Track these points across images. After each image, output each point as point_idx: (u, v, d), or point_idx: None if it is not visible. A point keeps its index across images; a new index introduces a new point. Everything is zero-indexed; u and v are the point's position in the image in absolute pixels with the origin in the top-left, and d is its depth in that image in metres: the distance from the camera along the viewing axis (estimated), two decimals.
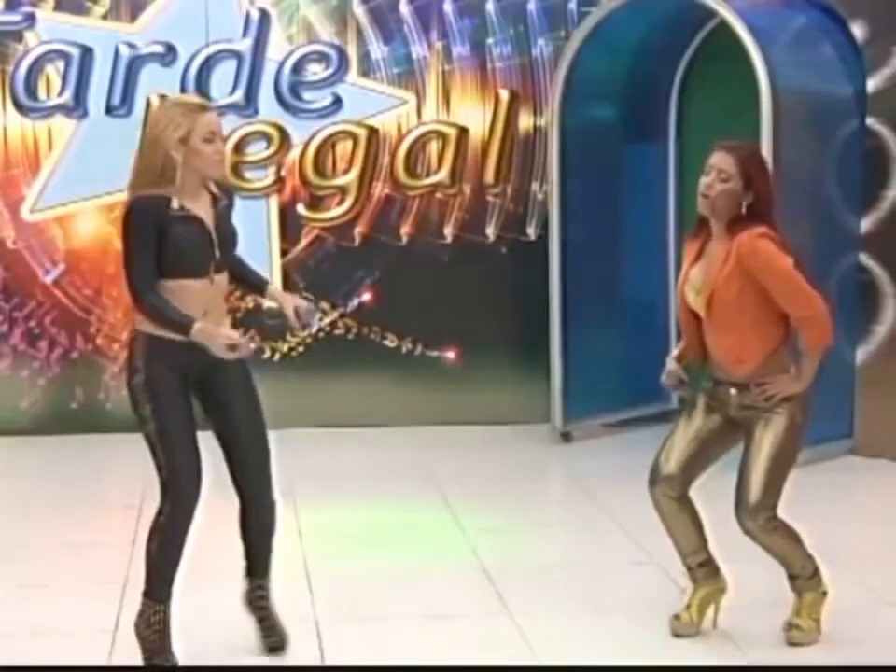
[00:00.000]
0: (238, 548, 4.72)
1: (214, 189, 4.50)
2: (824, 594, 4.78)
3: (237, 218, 8.20)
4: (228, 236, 4.54)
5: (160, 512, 4.54)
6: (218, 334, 4.28)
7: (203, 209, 4.44)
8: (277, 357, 8.17)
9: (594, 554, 5.73)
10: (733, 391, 4.67)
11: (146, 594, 4.57)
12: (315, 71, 8.00)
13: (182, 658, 4.53)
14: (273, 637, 4.66)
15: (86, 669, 4.58)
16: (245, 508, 4.63)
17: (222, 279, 4.50)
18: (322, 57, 8.00)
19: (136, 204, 4.32)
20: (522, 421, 8.07)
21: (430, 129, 8.09)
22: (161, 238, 4.28)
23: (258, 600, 4.69)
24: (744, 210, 4.53)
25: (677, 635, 4.75)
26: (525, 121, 8.11)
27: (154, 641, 4.53)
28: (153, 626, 4.53)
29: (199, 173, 4.38)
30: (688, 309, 4.70)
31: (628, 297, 8.20)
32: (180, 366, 4.38)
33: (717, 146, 4.60)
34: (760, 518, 4.59)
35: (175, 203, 4.33)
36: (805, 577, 4.75)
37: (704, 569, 4.80)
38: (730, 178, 4.50)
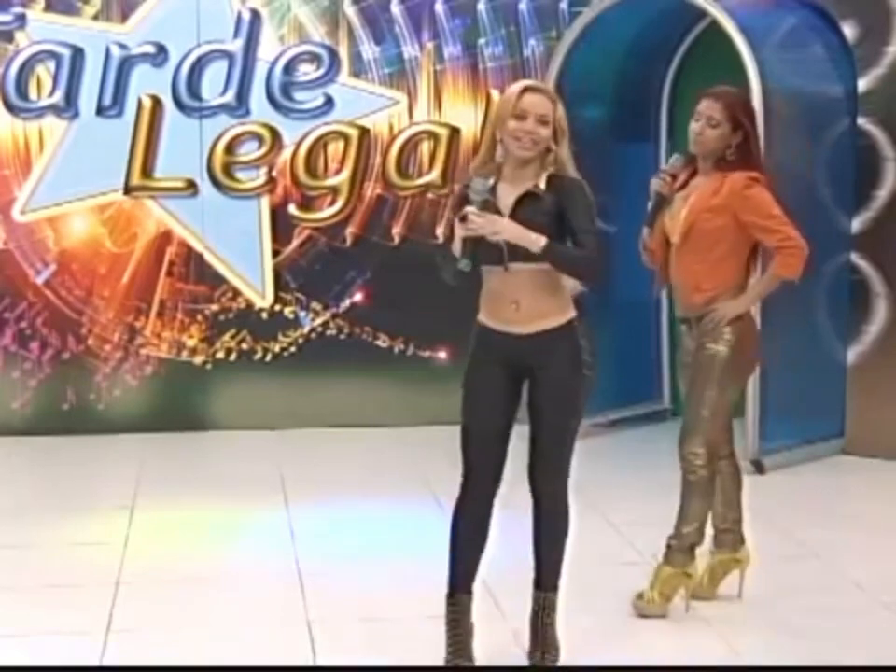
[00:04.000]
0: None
1: (542, 181, 4.25)
2: (687, 575, 4.90)
3: (228, 218, 8.25)
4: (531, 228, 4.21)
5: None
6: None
7: (511, 195, 4.27)
8: (269, 357, 8.17)
9: (585, 554, 5.71)
10: (683, 328, 4.97)
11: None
12: (307, 71, 8.00)
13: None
14: (535, 651, 4.48)
15: (81, 669, 4.57)
16: (536, 512, 4.52)
17: (523, 268, 4.24)
18: (313, 57, 8.00)
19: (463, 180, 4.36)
20: None
21: (422, 129, 8.09)
22: None
23: (533, 613, 4.51)
24: (732, 150, 4.81)
25: (641, 615, 4.87)
26: None
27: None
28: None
29: (508, 152, 4.25)
30: (662, 232, 4.97)
31: (619, 298, 8.20)
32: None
33: (703, 93, 4.91)
34: (692, 445, 4.82)
35: (489, 183, 4.23)
36: (680, 547, 4.90)
37: (726, 536, 5.00)
38: (719, 124, 4.80)
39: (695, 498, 4.90)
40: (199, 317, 8.11)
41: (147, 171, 7.92)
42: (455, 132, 8.08)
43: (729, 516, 5.05)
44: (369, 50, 8.04)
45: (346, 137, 8.03)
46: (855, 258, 7.34)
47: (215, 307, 8.11)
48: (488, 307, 4.38)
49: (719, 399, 4.85)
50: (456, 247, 4.23)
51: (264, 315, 8.15)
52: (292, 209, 8.07)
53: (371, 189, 8.09)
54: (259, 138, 7.98)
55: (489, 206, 4.20)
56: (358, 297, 8.19)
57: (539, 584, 4.50)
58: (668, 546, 4.94)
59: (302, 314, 8.17)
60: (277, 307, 8.15)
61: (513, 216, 4.21)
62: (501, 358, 4.36)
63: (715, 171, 4.85)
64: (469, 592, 4.50)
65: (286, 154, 8.01)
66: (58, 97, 7.85)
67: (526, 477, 4.43)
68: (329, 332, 8.19)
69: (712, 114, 4.80)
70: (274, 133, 7.98)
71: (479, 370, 4.41)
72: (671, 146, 8.17)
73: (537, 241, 4.15)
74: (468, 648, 4.45)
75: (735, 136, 4.81)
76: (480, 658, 4.55)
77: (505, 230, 4.17)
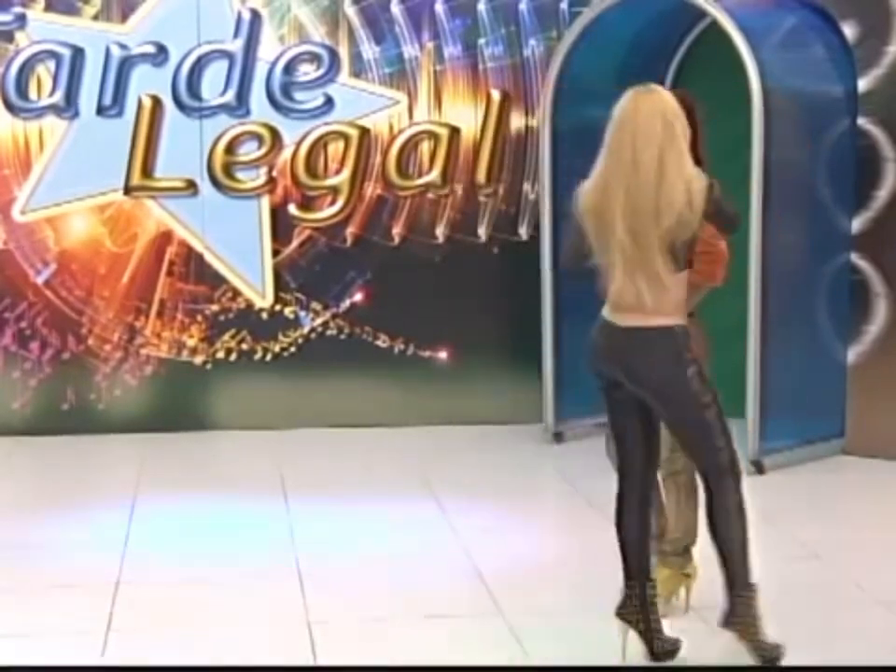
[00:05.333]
0: None
1: None
2: (686, 575, 4.94)
3: (228, 218, 8.24)
4: None
5: (726, 493, 4.41)
6: None
7: None
8: (269, 357, 8.16)
9: (585, 555, 5.73)
10: None
11: (745, 587, 4.41)
12: (307, 71, 7.99)
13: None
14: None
15: (82, 669, 4.58)
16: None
17: None
18: (313, 57, 8.00)
19: None
20: (514, 421, 8.07)
21: (422, 129, 8.09)
22: None
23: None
24: None
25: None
26: (516, 122, 8.11)
27: (760, 631, 4.40)
28: (757, 615, 4.41)
29: None
30: None
31: None
32: None
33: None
34: (664, 450, 4.75)
35: None
36: (675, 551, 4.93)
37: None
38: None
39: (680, 501, 4.90)
40: (199, 317, 8.11)
41: (147, 171, 7.92)
42: (455, 132, 8.08)
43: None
44: (369, 50, 8.04)
45: (346, 137, 8.02)
46: (855, 258, 7.34)
47: (215, 307, 8.11)
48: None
49: None
50: None
51: (264, 315, 8.15)
52: (292, 209, 8.07)
53: (372, 189, 8.09)
54: (259, 138, 7.98)
55: None
56: (358, 297, 8.19)
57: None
58: (662, 551, 4.93)
59: (302, 314, 8.17)
60: (277, 307, 8.15)
61: None
62: None
63: None
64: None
65: (286, 154, 8.00)
66: (58, 97, 7.85)
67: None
68: (329, 332, 8.19)
69: None
70: (274, 133, 7.97)
71: None
72: None
73: None
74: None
75: None
76: (477, 657, 4.56)
77: None
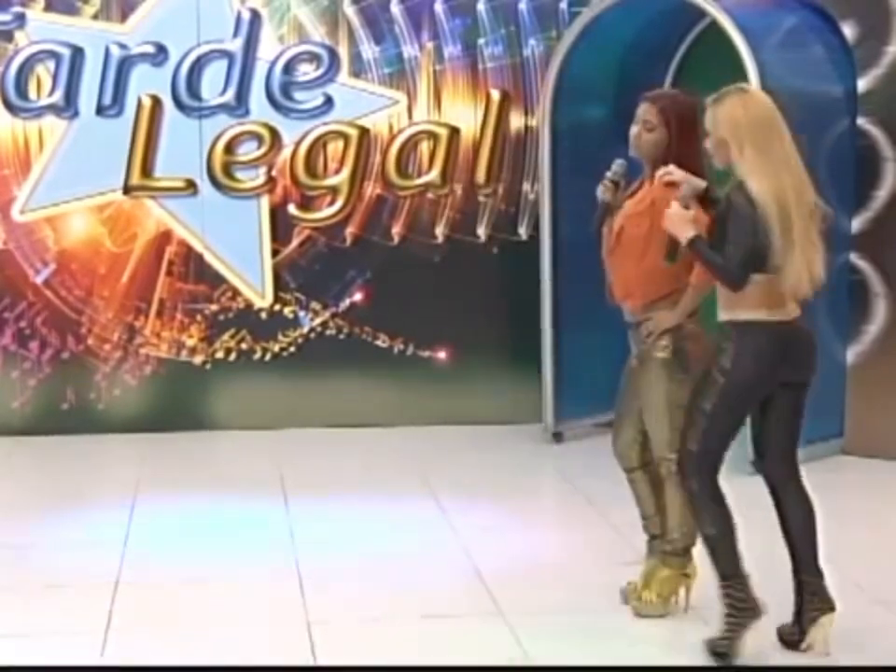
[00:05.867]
0: None
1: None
2: (686, 575, 4.92)
3: (228, 218, 8.24)
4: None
5: (801, 482, 4.82)
6: None
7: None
8: (268, 357, 8.16)
9: (585, 554, 5.73)
10: (630, 332, 4.92)
11: (818, 571, 4.64)
12: (306, 71, 7.99)
13: None
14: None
15: (82, 669, 4.57)
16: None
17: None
18: (313, 57, 8.00)
19: None
20: (513, 421, 8.07)
21: (422, 129, 8.09)
22: None
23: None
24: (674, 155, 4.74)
25: (639, 615, 4.86)
26: (516, 121, 8.11)
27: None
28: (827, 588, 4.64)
29: None
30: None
31: None
32: None
33: (642, 97, 4.88)
34: (663, 451, 4.84)
35: None
36: (674, 551, 4.91)
37: (655, 542, 4.95)
38: (654, 128, 4.77)
39: (677, 502, 4.88)
40: (198, 317, 8.11)
41: (146, 170, 7.92)
42: (454, 131, 8.08)
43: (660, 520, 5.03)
44: (368, 50, 8.04)
45: (346, 137, 8.02)
46: (855, 258, 7.34)
47: (214, 307, 8.11)
48: None
49: (670, 405, 4.80)
50: None
51: (264, 315, 8.15)
52: (292, 209, 8.07)
53: (371, 189, 8.09)
54: (259, 138, 7.98)
55: None
56: (358, 297, 8.19)
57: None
58: (663, 551, 4.93)
59: (302, 313, 8.17)
60: (277, 307, 8.15)
61: None
62: None
63: (651, 176, 4.80)
64: None
65: (285, 154, 8.00)
66: (58, 97, 7.85)
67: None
68: (328, 332, 8.19)
69: (648, 118, 4.77)
70: (274, 133, 7.97)
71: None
72: None
73: None
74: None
75: (672, 141, 4.74)
76: (477, 657, 4.56)
77: None
